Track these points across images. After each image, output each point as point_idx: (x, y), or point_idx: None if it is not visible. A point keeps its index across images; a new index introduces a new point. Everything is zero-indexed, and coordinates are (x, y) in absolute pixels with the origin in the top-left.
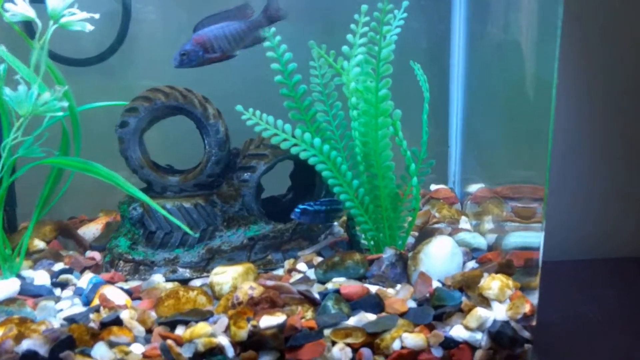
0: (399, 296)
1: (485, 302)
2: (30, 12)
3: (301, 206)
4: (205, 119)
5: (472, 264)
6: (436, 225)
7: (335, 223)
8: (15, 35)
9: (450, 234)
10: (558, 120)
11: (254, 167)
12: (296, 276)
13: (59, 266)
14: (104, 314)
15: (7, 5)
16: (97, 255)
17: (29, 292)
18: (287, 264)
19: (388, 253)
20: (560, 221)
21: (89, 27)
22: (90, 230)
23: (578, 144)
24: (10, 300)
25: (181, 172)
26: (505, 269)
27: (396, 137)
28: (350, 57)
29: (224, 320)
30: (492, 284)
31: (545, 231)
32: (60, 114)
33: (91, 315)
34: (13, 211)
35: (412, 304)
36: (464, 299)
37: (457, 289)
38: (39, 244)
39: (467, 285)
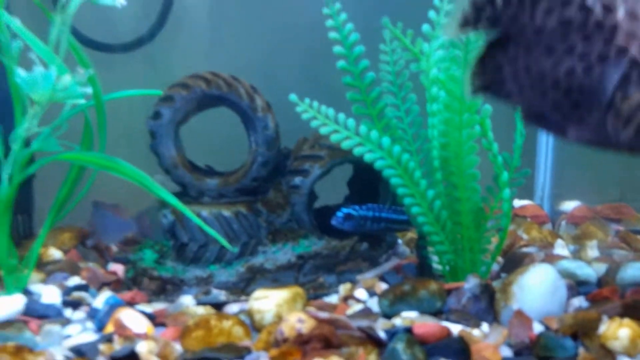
0: (489, 341)
1: (610, 356)
2: None
3: (345, 210)
4: (252, 112)
5: (578, 302)
6: (525, 250)
7: (400, 241)
8: (33, 7)
9: (543, 261)
10: None
11: (307, 170)
12: (354, 306)
13: (74, 281)
14: (118, 345)
15: None
16: (120, 268)
17: (35, 311)
18: (343, 289)
19: (471, 283)
20: None
21: (121, 2)
22: None
23: None
24: (9, 323)
25: (221, 174)
26: (632, 311)
27: (484, 139)
28: (432, 38)
29: None
30: (620, 332)
31: None
32: (83, 101)
33: (100, 347)
34: (29, 215)
35: (506, 352)
36: (581, 349)
37: (568, 335)
38: (55, 253)
39: (583, 330)
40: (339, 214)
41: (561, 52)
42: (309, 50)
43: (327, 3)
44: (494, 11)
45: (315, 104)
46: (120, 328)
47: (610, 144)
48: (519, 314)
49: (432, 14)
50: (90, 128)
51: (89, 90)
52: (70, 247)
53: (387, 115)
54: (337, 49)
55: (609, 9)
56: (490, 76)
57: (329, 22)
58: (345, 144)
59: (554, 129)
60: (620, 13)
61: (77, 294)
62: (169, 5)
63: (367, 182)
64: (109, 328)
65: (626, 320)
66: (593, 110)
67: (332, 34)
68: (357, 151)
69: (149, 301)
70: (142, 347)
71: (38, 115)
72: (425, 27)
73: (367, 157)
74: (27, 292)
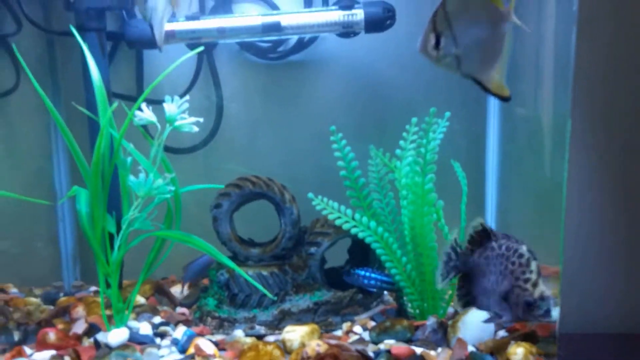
0: (440, 358)
1: None
2: (152, 118)
3: (349, 269)
4: (283, 204)
5: (502, 333)
6: None
7: (386, 292)
8: (139, 134)
9: None
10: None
11: (320, 243)
12: (353, 337)
13: (157, 319)
14: None
15: (136, 112)
16: (186, 311)
17: (136, 339)
18: (345, 326)
19: (431, 321)
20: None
21: (195, 129)
22: (178, 290)
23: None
24: (124, 346)
25: (260, 245)
26: (530, 338)
27: (439, 223)
28: (402, 158)
29: None
30: (518, 350)
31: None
32: (168, 195)
33: None
34: (121, 271)
35: None
36: None
37: (488, 353)
38: (140, 299)
39: (497, 350)
40: (344, 271)
41: (487, 273)
42: (322, 159)
43: (332, 132)
44: (455, 262)
45: (325, 198)
46: (199, 350)
47: (518, 319)
48: (460, 340)
49: (401, 142)
50: (171, 212)
51: (172, 187)
52: (150, 295)
53: (374, 206)
54: (340, 163)
55: (499, 246)
56: (466, 297)
57: (334, 146)
58: (345, 226)
59: (497, 317)
60: (504, 247)
61: (162, 328)
62: (218, 124)
63: (361, 251)
64: (190, 351)
65: (523, 343)
66: (505, 304)
67: (336, 153)
68: (353, 231)
69: (212, 333)
70: None
71: (140, 205)
72: (398, 151)
73: (360, 235)
74: (127, 327)
